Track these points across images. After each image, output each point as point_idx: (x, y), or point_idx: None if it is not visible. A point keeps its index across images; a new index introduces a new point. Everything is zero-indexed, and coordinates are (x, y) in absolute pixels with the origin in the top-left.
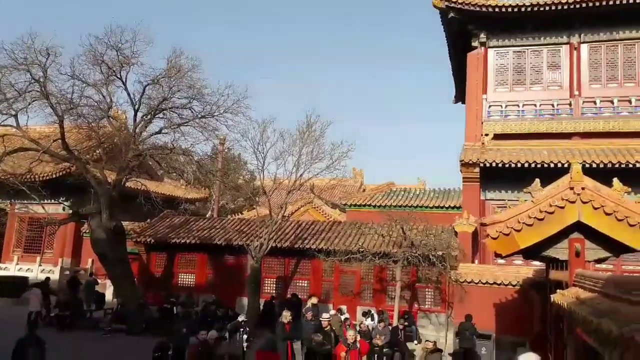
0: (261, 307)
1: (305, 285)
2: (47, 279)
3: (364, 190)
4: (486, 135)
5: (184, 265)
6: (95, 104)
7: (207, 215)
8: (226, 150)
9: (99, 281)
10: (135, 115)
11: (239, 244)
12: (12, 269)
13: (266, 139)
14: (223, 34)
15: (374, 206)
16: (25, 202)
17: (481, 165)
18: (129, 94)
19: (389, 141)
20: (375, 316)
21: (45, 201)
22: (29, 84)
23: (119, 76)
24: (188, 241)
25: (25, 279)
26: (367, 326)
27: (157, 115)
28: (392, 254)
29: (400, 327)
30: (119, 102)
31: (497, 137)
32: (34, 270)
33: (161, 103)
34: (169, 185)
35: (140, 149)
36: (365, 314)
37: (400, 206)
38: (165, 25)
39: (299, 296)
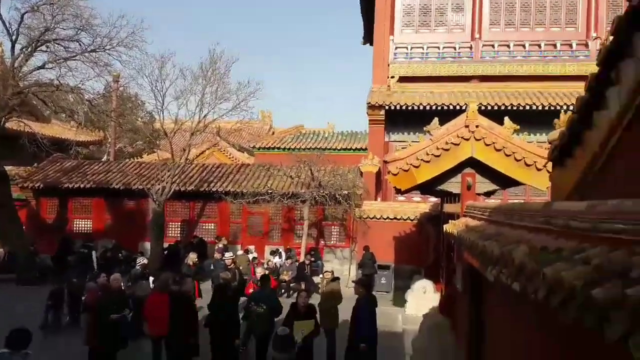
0: (165, 251)
1: (212, 227)
2: None
3: (272, 133)
4: (392, 77)
5: (78, 210)
6: None
7: (103, 159)
8: (121, 88)
9: None
10: (13, 47)
11: (139, 188)
12: None
13: (165, 76)
14: None
15: (283, 149)
16: None
17: (386, 107)
18: (4, 23)
19: (298, 86)
20: (283, 254)
21: None
22: None
23: None
24: (82, 186)
25: None
26: (275, 263)
27: (39, 48)
28: (300, 194)
29: (307, 262)
30: None
31: (403, 79)
32: None
33: (43, 34)
34: (57, 127)
35: (21, 85)
36: (273, 253)
37: (309, 149)
38: None
39: (205, 239)
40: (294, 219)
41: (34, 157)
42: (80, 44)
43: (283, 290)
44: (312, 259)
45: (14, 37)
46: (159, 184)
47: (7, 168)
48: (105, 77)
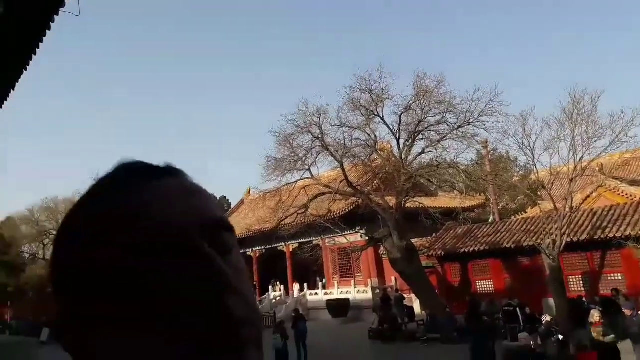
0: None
1: (620, 278)
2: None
3: None
4: None
5: (478, 272)
6: (364, 142)
7: (490, 220)
8: (491, 152)
9: (405, 296)
10: (398, 142)
11: (529, 244)
12: (335, 293)
13: (529, 131)
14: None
15: None
16: (331, 235)
17: None
18: (388, 127)
19: None
20: None
21: (346, 232)
22: (312, 142)
23: (376, 113)
24: (476, 249)
25: (347, 300)
26: None
27: (417, 138)
28: None
29: None
30: (382, 135)
31: None
32: (352, 292)
33: (417, 125)
34: (444, 199)
35: (410, 171)
36: None
37: None
38: (403, 49)
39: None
40: None
41: (431, 229)
42: (448, 125)
43: None
44: None
45: (397, 135)
46: (548, 238)
47: (413, 241)
48: (475, 146)
